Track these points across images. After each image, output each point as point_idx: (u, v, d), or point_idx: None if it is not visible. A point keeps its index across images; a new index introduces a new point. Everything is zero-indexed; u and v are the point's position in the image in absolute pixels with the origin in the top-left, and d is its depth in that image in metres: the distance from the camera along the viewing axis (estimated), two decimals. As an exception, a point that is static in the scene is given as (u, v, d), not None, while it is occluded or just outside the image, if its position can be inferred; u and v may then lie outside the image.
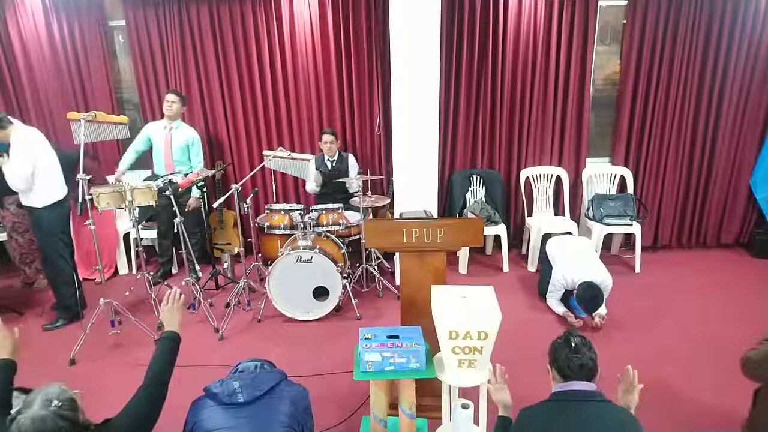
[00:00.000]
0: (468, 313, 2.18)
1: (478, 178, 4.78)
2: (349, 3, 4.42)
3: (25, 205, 3.62)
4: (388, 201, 4.35)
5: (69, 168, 3.75)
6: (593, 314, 3.56)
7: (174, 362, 1.95)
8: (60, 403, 1.45)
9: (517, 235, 5.05)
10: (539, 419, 1.73)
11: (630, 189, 4.74)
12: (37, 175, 3.50)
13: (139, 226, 4.07)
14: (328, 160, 4.53)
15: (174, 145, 4.32)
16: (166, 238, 4.57)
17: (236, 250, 4.61)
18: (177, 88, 4.63)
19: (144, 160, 4.62)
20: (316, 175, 4.49)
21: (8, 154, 3.49)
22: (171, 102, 4.25)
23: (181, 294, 2.14)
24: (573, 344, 1.78)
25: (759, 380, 2.05)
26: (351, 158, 4.62)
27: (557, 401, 1.77)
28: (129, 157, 4.40)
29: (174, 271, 4.78)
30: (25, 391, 1.81)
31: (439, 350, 2.23)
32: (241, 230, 4.28)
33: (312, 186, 4.57)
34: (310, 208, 4.20)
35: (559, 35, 4.44)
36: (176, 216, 3.87)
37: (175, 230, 4.32)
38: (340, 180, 4.36)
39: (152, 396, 1.80)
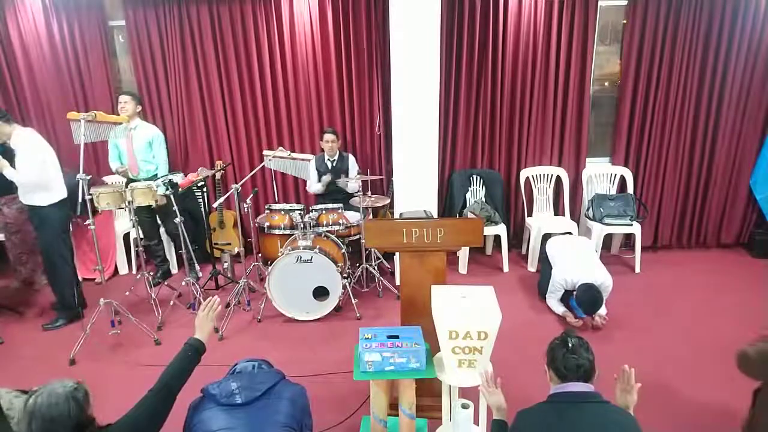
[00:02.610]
0: (468, 313, 2.18)
1: (478, 178, 4.78)
2: (349, 3, 4.42)
3: (30, 204, 3.61)
4: (388, 201, 4.35)
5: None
6: (593, 314, 3.56)
7: (190, 372, 1.93)
8: (76, 386, 1.57)
9: (517, 235, 5.05)
10: (537, 421, 1.73)
11: (630, 189, 4.74)
12: (44, 172, 3.53)
13: (139, 226, 4.07)
14: (329, 159, 4.53)
15: (135, 146, 4.29)
16: (152, 240, 4.55)
17: (236, 250, 4.61)
18: (177, 88, 4.64)
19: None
20: (325, 177, 4.48)
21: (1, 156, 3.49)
22: (124, 103, 4.23)
23: (219, 304, 2.14)
24: (570, 345, 1.78)
25: (756, 378, 2.04)
26: (351, 158, 4.62)
27: (554, 403, 1.76)
28: (116, 162, 4.41)
29: (174, 271, 4.79)
30: (26, 393, 1.81)
31: (439, 350, 2.23)
32: (241, 230, 4.28)
33: (318, 187, 4.55)
34: (310, 208, 4.20)
35: (559, 35, 4.44)
36: (157, 218, 3.86)
37: (177, 231, 4.32)
38: (341, 181, 4.36)
39: (158, 404, 1.79)
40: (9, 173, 3.48)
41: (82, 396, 1.57)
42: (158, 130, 4.44)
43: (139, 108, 4.38)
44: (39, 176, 3.51)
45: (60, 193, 3.67)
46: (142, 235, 4.57)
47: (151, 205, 3.91)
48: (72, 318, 3.84)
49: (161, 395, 1.81)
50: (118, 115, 4.20)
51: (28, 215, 3.76)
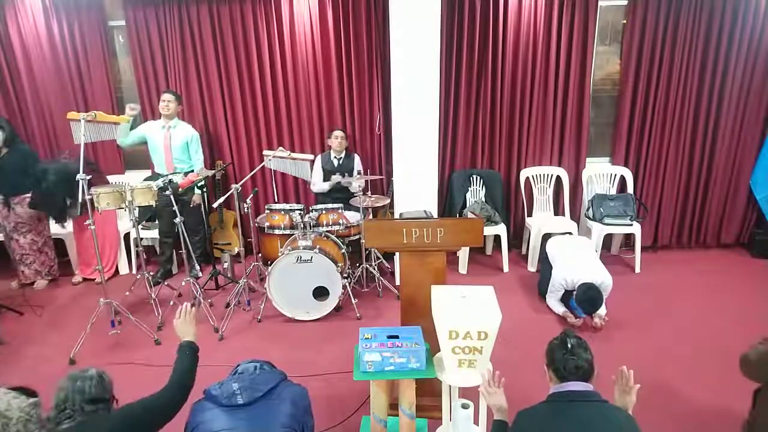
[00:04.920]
0: (468, 313, 2.18)
1: (478, 178, 4.78)
2: (349, 3, 4.42)
3: None
4: (388, 201, 4.35)
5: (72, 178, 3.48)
6: (593, 314, 3.56)
7: (195, 367, 2.03)
8: (102, 373, 1.75)
9: (517, 235, 5.05)
10: (537, 421, 1.73)
11: (630, 189, 4.74)
12: None
13: (139, 226, 4.07)
14: (335, 157, 4.54)
15: (174, 144, 4.33)
16: (168, 237, 4.57)
17: (236, 250, 4.61)
18: (177, 88, 4.64)
19: (144, 160, 4.61)
20: (334, 177, 4.49)
21: None
22: (168, 101, 4.27)
23: (192, 307, 2.23)
24: (569, 345, 1.79)
25: (756, 380, 2.05)
26: (357, 158, 4.64)
27: (554, 402, 1.77)
28: (125, 139, 4.31)
29: (174, 271, 4.78)
30: (27, 392, 1.82)
31: (439, 350, 2.23)
32: (241, 230, 4.28)
33: (323, 186, 4.54)
34: (310, 208, 4.21)
35: (559, 35, 4.44)
36: (176, 215, 3.87)
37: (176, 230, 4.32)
38: (344, 180, 4.36)
39: (172, 397, 1.88)
40: None
41: (106, 379, 1.75)
42: (195, 130, 4.46)
43: (180, 107, 4.43)
44: None
45: None
46: (158, 232, 4.57)
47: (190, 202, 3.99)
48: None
49: (175, 392, 1.90)
50: (160, 112, 4.29)
51: None
